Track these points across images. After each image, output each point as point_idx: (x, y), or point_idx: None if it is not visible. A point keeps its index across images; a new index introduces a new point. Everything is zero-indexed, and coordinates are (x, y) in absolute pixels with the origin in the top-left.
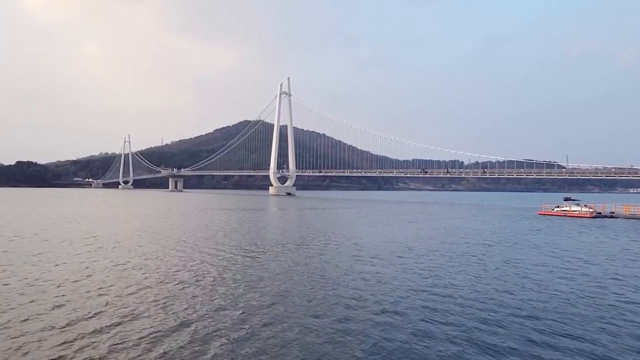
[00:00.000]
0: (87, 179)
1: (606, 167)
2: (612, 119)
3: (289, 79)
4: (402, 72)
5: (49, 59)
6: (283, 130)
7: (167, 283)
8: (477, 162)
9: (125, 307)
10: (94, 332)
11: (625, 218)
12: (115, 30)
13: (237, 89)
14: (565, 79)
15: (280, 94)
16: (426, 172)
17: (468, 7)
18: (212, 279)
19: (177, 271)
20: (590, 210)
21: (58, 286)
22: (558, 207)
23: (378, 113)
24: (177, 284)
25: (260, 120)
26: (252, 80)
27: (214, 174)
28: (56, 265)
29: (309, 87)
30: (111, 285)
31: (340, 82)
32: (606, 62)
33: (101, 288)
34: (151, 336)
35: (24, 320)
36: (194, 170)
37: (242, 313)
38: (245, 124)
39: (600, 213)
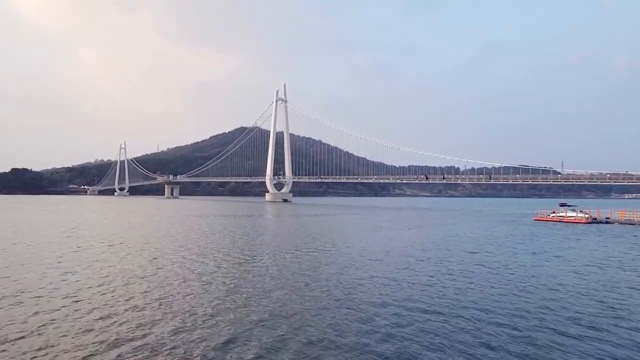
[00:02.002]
0: (82, 186)
1: (601, 173)
2: (607, 125)
3: (285, 85)
4: (399, 78)
5: (46, 66)
6: (279, 137)
7: (180, 290)
8: (472, 168)
9: (144, 314)
10: (116, 339)
11: (621, 223)
12: (113, 37)
13: (233, 96)
14: (561, 86)
15: (277, 100)
16: (428, 179)
17: (465, 16)
18: (222, 287)
19: (188, 280)
20: (586, 216)
21: (74, 297)
22: (554, 212)
23: (374, 119)
24: (191, 291)
25: (257, 127)
26: (249, 87)
27: (210, 180)
28: (73, 273)
29: (305, 93)
30: (122, 294)
31: (337, 88)
32: (602, 69)
33: (116, 297)
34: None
35: (48, 331)
36: (190, 177)
37: (258, 319)
38: (241, 130)
39: (596, 219)
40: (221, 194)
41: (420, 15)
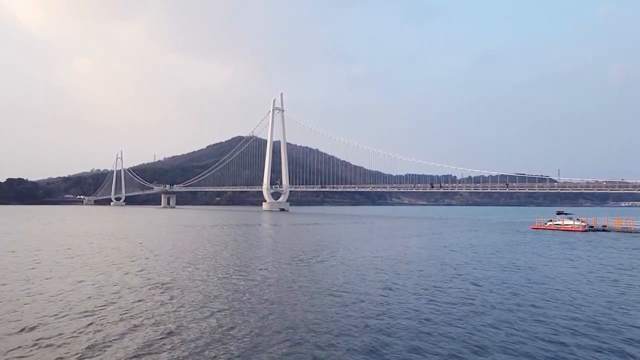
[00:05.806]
0: (78, 196)
1: (598, 181)
2: (604, 133)
3: (282, 94)
4: (396, 86)
5: (41, 76)
6: (276, 146)
7: (186, 299)
8: (469, 177)
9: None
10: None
11: (617, 231)
12: (109, 47)
13: (230, 105)
14: (558, 94)
15: (274, 109)
16: (433, 187)
17: (463, 25)
18: (227, 297)
19: (194, 289)
20: (583, 224)
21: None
22: (551, 221)
23: (371, 128)
24: (197, 301)
25: (254, 136)
26: (246, 96)
27: (207, 190)
28: (79, 282)
29: (302, 102)
30: (119, 308)
31: (334, 97)
32: (598, 77)
33: (115, 308)
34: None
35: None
36: (187, 186)
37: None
38: (238, 139)
39: (593, 227)
40: (218, 204)
41: (418, 23)
